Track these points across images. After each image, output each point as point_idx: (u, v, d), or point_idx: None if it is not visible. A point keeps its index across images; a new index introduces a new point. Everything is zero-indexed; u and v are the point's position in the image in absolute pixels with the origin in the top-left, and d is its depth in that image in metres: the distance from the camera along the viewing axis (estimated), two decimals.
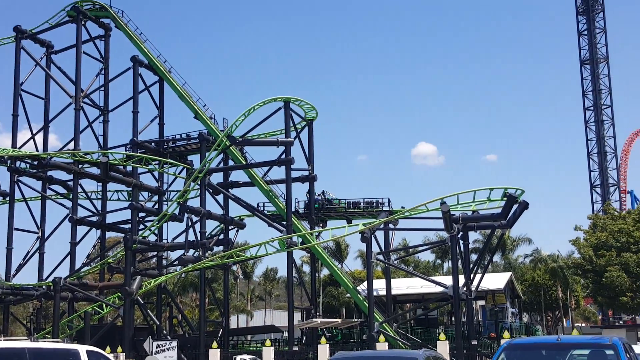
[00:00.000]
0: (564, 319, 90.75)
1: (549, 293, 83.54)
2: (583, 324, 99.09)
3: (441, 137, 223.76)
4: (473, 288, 53.31)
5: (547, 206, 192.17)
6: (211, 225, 66.15)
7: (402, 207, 60.71)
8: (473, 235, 73.25)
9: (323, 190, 61.70)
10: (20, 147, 67.03)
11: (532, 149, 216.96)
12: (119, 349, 50.40)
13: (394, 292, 62.29)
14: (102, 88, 69.35)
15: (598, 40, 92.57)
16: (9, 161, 63.60)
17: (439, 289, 56.41)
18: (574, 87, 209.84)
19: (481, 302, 70.64)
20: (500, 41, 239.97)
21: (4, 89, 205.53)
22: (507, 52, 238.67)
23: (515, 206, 49.61)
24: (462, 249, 54.59)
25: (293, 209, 60.86)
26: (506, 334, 42.62)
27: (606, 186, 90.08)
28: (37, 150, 67.09)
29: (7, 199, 65.83)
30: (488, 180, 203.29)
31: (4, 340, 16.81)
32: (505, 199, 49.59)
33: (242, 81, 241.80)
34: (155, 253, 67.63)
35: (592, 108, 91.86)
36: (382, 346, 43.67)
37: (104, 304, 60.48)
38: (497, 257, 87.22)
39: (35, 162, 64.26)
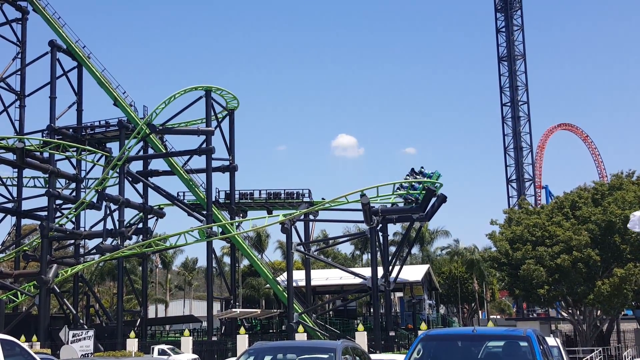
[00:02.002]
0: (480, 311, 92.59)
1: (465, 285, 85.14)
2: (498, 316, 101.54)
3: (361, 130, 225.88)
4: (391, 280, 54.15)
5: (465, 200, 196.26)
6: (130, 214, 65.37)
7: (323, 199, 61.09)
8: (392, 228, 74.25)
9: (412, 168, 56.74)
10: None
11: (451, 143, 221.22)
12: (34, 338, 49.55)
13: (313, 283, 62.74)
14: (19, 72, 67.74)
15: (515, 38, 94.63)
16: None
17: (358, 281, 57.09)
18: (491, 83, 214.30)
19: (399, 294, 71.85)
20: (420, 36, 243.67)
21: None
22: (427, 47, 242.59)
23: (433, 199, 50.62)
24: (381, 241, 55.34)
25: (213, 199, 60.54)
26: (423, 326, 43.34)
27: (522, 181, 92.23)
28: None
29: None
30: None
31: None
32: (424, 192, 50.49)
33: (163, 69, 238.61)
34: (72, 241, 66.43)
35: (509, 104, 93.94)
36: (301, 337, 43.91)
37: (19, 292, 59.19)
38: (415, 250, 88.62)
39: None
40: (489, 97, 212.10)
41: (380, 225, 53.86)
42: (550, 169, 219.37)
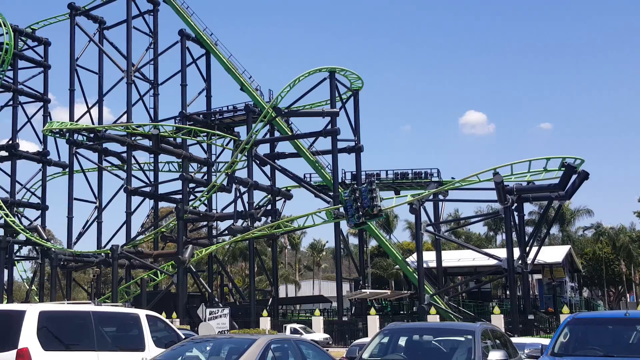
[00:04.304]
0: (628, 295, 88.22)
1: (611, 267, 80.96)
2: None
3: (491, 105, 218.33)
4: (529, 261, 52.01)
5: (608, 176, 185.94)
6: (259, 196, 66.32)
7: (452, 178, 59.28)
8: (528, 207, 71.37)
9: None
10: (77, 120, 69.13)
11: (591, 117, 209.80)
12: (174, 314, 51.50)
13: (444, 264, 61.29)
14: (152, 62, 70.07)
15: None
16: (67, 134, 66.19)
17: (493, 262, 55.25)
18: (636, 50, 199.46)
19: (537, 276, 69.13)
20: (550, 4, 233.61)
21: (61, 64, 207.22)
22: (561, 15, 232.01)
23: (574, 176, 47.90)
24: (516, 221, 53.29)
25: (340, 180, 60.29)
26: (565, 309, 41.56)
27: None
28: (93, 123, 69.02)
29: (67, 170, 68.80)
30: (542, 150, 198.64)
31: (68, 303, 17.78)
32: (563, 169, 47.92)
33: (287, 52, 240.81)
34: (205, 223, 68.33)
35: None
36: (433, 318, 42.95)
37: (158, 272, 62.18)
38: (554, 230, 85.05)
39: (92, 135, 66.44)
40: (634, 66, 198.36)
41: (515, 204, 51.80)
42: None
